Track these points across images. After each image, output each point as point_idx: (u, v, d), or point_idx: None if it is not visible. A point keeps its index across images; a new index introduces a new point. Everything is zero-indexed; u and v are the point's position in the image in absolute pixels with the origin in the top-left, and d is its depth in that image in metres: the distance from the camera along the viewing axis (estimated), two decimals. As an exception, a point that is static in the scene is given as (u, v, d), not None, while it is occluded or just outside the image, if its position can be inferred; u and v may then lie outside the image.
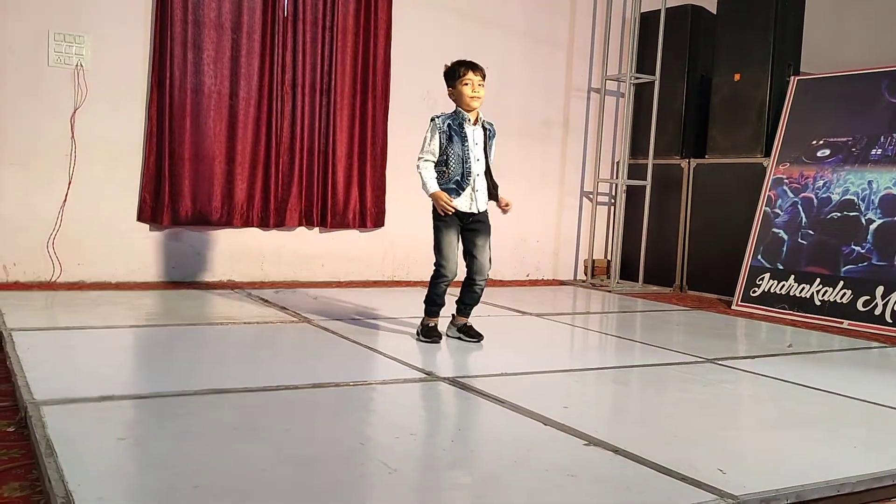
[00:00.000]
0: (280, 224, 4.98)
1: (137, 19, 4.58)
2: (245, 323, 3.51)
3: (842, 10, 6.79)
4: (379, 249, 5.34)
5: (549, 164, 5.94)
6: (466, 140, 3.18)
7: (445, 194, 3.17)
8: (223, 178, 4.81)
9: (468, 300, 3.34)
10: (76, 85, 4.45)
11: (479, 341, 3.31)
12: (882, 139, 4.53)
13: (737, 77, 5.39)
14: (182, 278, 4.75)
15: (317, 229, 5.16)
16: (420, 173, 3.22)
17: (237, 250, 4.92)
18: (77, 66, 4.44)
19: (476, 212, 3.24)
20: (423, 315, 3.35)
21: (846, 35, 6.71)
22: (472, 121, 3.21)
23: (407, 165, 5.29)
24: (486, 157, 3.25)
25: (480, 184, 3.23)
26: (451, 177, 3.19)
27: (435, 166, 3.22)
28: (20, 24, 4.31)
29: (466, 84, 3.16)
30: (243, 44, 4.79)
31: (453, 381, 2.63)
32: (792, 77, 5.18)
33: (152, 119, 4.61)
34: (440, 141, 3.18)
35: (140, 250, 4.67)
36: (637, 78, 5.79)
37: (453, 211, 3.17)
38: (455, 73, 3.20)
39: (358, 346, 3.14)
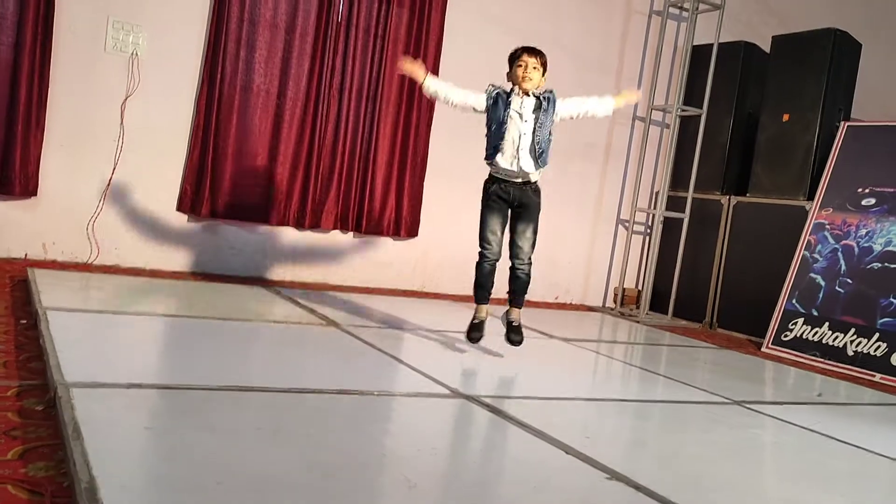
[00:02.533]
0: (315, 225, 5.01)
1: (195, 14, 4.65)
2: (274, 322, 3.53)
3: (898, 58, 6.71)
4: (411, 259, 5.35)
5: (587, 188, 5.91)
6: (509, 107, 3.20)
7: (420, 71, 3.25)
8: (264, 176, 4.86)
9: (513, 286, 3.36)
10: (130, 73, 4.52)
11: (516, 345, 3.30)
12: (930, 193, 4.45)
13: (785, 117, 5.34)
14: (214, 270, 4.79)
15: (351, 234, 5.19)
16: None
17: (271, 248, 4.95)
18: (133, 54, 4.52)
19: (517, 170, 3.21)
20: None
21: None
22: (521, 94, 3.23)
23: (446, 177, 5.34)
24: (542, 125, 3.21)
25: (525, 144, 3.20)
26: (491, 141, 3.24)
27: (485, 134, 3.27)
28: (82, 8, 4.39)
29: (520, 66, 3.23)
30: (295, 45, 4.84)
31: (478, 400, 2.62)
32: (842, 122, 5.11)
33: (200, 112, 4.67)
34: (486, 102, 3.23)
35: (176, 240, 4.73)
36: (684, 110, 5.76)
37: (423, 76, 3.23)
38: (514, 55, 3.29)
39: (385, 355, 3.14)
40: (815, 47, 5.24)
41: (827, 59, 5.17)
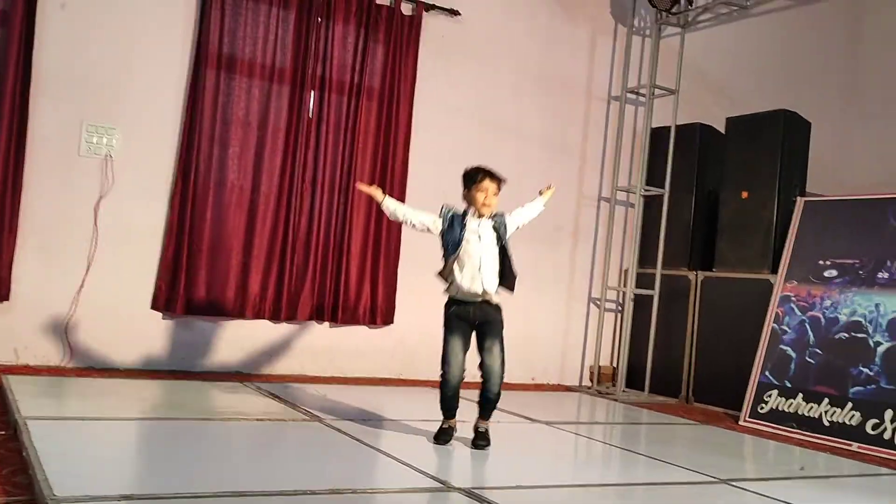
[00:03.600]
0: (291, 317, 5.02)
1: (168, 114, 4.74)
2: (257, 420, 3.50)
3: (847, 134, 7.04)
4: (387, 346, 5.36)
5: (558, 270, 6.01)
6: (465, 229, 3.26)
7: (378, 192, 3.40)
8: (238, 270, 4.87)
9: (484, 404, 3.37)
10: (103, 174, 4.57)
11: (482, 450, 3.29)
12: (889, 263, 4.62)
13: (744, 195, 5.53)
14: (191, 368, 4.75)
15: (327, 324, 5.19)
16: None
17: (247, 342, 4.93)
18: (106, 155, 4.57)
19: (479, 292, 3.25)
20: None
21: (851, 158, 6.92)
22: (476, 215, 3.30)
23: (419, 264, 5.38)
24: (501, 246, 3.29)
25: (486, 264, 3.25)
26: (449, 259, 3.28)
27: (441, 257, 3.33)
28: (56, 115, 4.46)
29: (481, 192, 3.27)
30: (268, 141, 4.94)
31: (468, 493, 2.61)
32: (799, 197, 5.31)
33: (174, 209, 4.70)
34: (441, 224, 3.30)
35: (151, 338, 4.69)
36: (647, 190, 5.94)
37: (381, 198, 3.38)
38: (473, 178, 3.31)
39: (372, 449, 3.13)
40: (767, 127, 5.49)
41: (779, 138, 5.41)
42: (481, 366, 3.32)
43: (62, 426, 3.03)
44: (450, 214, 3.31)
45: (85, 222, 4.52)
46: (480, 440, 3.32)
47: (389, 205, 3.40)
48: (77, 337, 4.48)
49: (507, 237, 3.34)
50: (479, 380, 3.39)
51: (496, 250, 3.30)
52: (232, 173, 4.86)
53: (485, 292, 3.26)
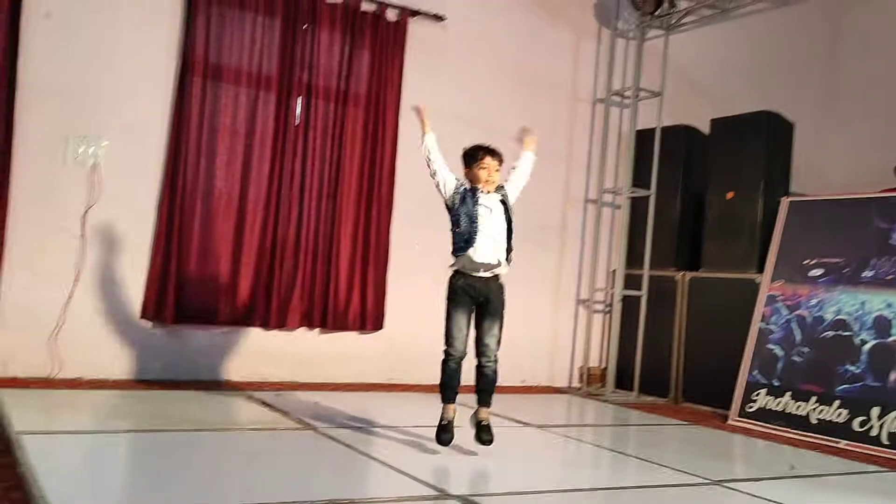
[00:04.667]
0: (281, 325, 5.01)
1: (154, 123, 4.72)
2: (250, 429, 3.50)
3: (828, 134, 7.12)
4: (378, 352, 5.36)
5: (545, 272, 6.04)
6: (478, 203, 3.31)
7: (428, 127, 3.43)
8: (228, 279, 4.87)
9: (481, 385, 3.39)
10: (91, 185, 4.55)
11: (486, 444, 3.31)
12: (873, 262, 4.68)
13: (730, 195, 5.59)
14: (181, 377, 4.73)
15: (317, 330, 5.19)
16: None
17: (238, 350, 4.92)
18: (93, 165, 4.55)
19: (492, 262, 3.31)
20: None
21: (833, 158, 7.01)
22: (484, 190, 3.35)
23: (409, 270, 5.41)
24: (508, 218, 3.36)
25: (499, 236, 3.33)
26: (462, 234, 3.32)
27: (451, 229, 3.36)
28: (42, 125, 4.43)
29: (483, 168, 3.35)
30: (255, 149, 4.94)
31: (465, 500, 2.63)
32: (783, 198, 5.37)
33: (162, 219, 4.69)
34: (453, 195, 3.34)
35: (141, 348, 4.67)
36: (633, 191, 5.98)
37: (429, 129, 3.40)
38: (474, 156, 3.38)
39: (367, 458, 3.14)
40: (751, 128, 5.54)
41: (763, 138, 5.47)
42: (477, 342, 3.36)
43: (56, 440, 3.02)
44: (461, 189, 3.35)
45: (73, 232, 4.49)
46: (484, 434, 3.32)
47: (428, 141, 3.42)
48: (66, 348, 4.45)
49: (511, 208, 3.39)
50: (470, 384, 3.42)
51: (504, 223, 3.35)
52: (220, 181, 4.85)
53: (497, 263, 3.32)
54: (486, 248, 3.30)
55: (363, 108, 5.26)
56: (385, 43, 5.30)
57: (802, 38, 7.18)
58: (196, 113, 4.76)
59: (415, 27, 5.45)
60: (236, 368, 4.91)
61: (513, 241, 3.40)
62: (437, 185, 3.40)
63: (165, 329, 4.73)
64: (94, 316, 4.55)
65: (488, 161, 3.35)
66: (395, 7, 5.35)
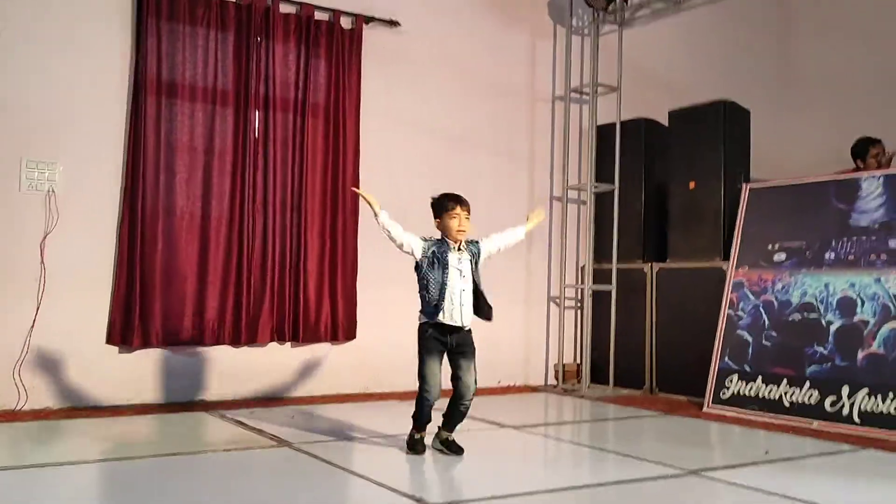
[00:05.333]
0: (252, 340, 4.96)
1: (110, 144, 4.65)
2: (225, 450, 3.45)
3: (783, 120, 7.22)
4: (352, 362, 5.33)
5: (515, 271, 6.04)
6: (447, 267, 3.32)
7: (376, 203, 3.35)
8: (194, 297, 4.80)
9: (453, 417, 3.42)
10: (47, 210, 4.46)
11: (459, 455, 3.36)
12: (834, 243, 4.75)
13: (692, 185, 5.64)
14: (152, 401, 4.66)
15: (289, 344, 5.14)
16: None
17: (209, 369, 4.86)
18: (49, 191, 4.47)
19: (460, 325, 3.33)
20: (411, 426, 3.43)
21: (789, 143, 7.10)
22: (455, 248, 3.35)
23: (378, 278, 5.38)
24: (473, 277, 3.37)
25: (466, 299, 3.34)
26: (430, 300, 3.33)
27: (419, 291, 3.36)
28: (-7, 152, 4.34)
29: (454, 218, 3.35)
30: (215, 165, 4.88)
31: (445, 508, 2.62)
32: (744, 185, 5.43)
33: (123, 241, 4.62)
34: (421, 257, 3.33)
35: (109, 374, 4.59)
36: (597, 187, 6.01)
37: (378, 208, 3.33)
38: (443, 206, 3.38)
39: (344, 471, 3.11)
40: (708, 118, 5.60)
41: (721, 128, 5.54)
42: (456, 380, 3.38)
43: (23, 476, 2.94)
44: (430, 250, 3.34)
45: (31, 260, 4.41)
46: (453, 446, 3.39)
47: (382, 220, 3.38)
48: (31, 379, 4.36)
49: (479, 266, 3.40)
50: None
51: (472, 283, 3.37)
52: (181, 199, 4.78)
53: (462, 326, 3.35)
54: (455, 314, 3.31)
55: (322, 117, 5.23)
56: (341, 51, 5.27)
57: (755, 27, 7.29)
58: (152, 132, 4.69)
59: (370, 34, 5.43)
60: (208, 388, 4.84)
61: (489, 300, 3.41)
62: (408, 253, 3.38)
63: (133, 353, 4.66)
64: (59, 344, 4.46)
65: (458, 210, 3.35)
66: (349, 14, 5.33)
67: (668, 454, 3.56)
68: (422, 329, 3.39)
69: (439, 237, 3.41)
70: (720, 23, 6.92)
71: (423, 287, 3.35)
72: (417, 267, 3.39)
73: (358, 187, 5.32)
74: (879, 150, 5.46)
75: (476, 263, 3.40)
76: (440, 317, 3.31)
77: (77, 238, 4.52)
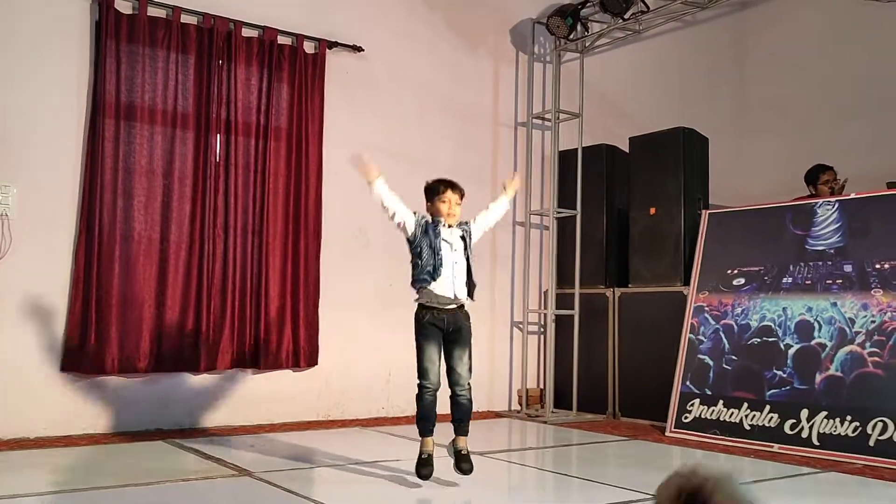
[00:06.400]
0: (211, 367, 4.86)
1: (66, 168, 4.56)
2: (183, 480, 3.36)
3: (739, 147, 7.38)
4: (314, 388, 5.26)
5: (478, 296, 5.94)
6: (439, 235, 3.33)
7: (374, 171, 3.36)
8: (152, 323, 4.71)
9: (458, 415, 3.40)
10: (0, 235, 4.35)
11: (466, 474, 3.33)
12: (791, 268, 4.83)
13: (652, 211, 5.71)
14: (109, 430, 4.54)
15: (250, 371, 5.06)
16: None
17: (167, 397, 4.75)
18: (2, 214, 4.36)
19: (452, 296, 3.32)
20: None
21: (745, 169, 7.26)
22: (446, 224, 3.38)
23: (340, 303, 5.34)
24: (467, 255, 3.38)
25: (458, 272, 3.35)
26: (424, 266, 3.32)
27: (411, 260, 3.37)
28: (-56, 175, 4.23)
29: (444, 202, 3.38)
30: (175, 189, 4.81)
31: (409, 538, 2.57)
32: (703, 210, 5.51)
33: (79, 265, 4.52)
34: (415, 229, 3.34)
35: (63, 402, 4.46)
36: (559, 212, 6.06)
37: (375, 177, 3.32)
38: (435, 190, 3.42)
39: (307, 500, 3.05)
40: (668, 145, 5.69)
41: (680, 154, 5.63)
42: (450, 373, 3.38)
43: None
44: (423, 221, 3.37)
45: (-17, 286, 4.28)
46: (464, 463, 3.34)
47: (377, 188, 3.37)
48: (-19, 408, 4.22)
49: (471, 245, 3.43)
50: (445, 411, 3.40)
51: (465, 259, 3.38)
52: (139, 224, 4.70)
53: (457, 298, 3.34)
54: (447, 283, 3.32)
55: (285, 141, 5.20)
56: (304, 75, 5.26)
57: (710, 56, 7.46)
58: (110, 155, 4.61)
59: (334, 59, 5.43)
60: (167, 417, 4.73)
61: (473, 277, 3.42)
62: (398, 225, 3.39)
63: (88, 380, 4.54)
64: (11, 371, 4.32)
65: (448, 194, 3.38)
66: (312, 39, 5.32)
67: (633, 479, 3.56)
68: (417, 314, 3.37)
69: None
70: (677, 51, 7.08)
71: (417, 255, 3.34)
72: (410, 241, 3.38)
73: (321, 213, 5.29)
74: (830, 176, 5.59)
75: (468, 242, 3.41)
76: (434, 285, 3.29)
77: (31, 263, 4.41)
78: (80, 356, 4.48)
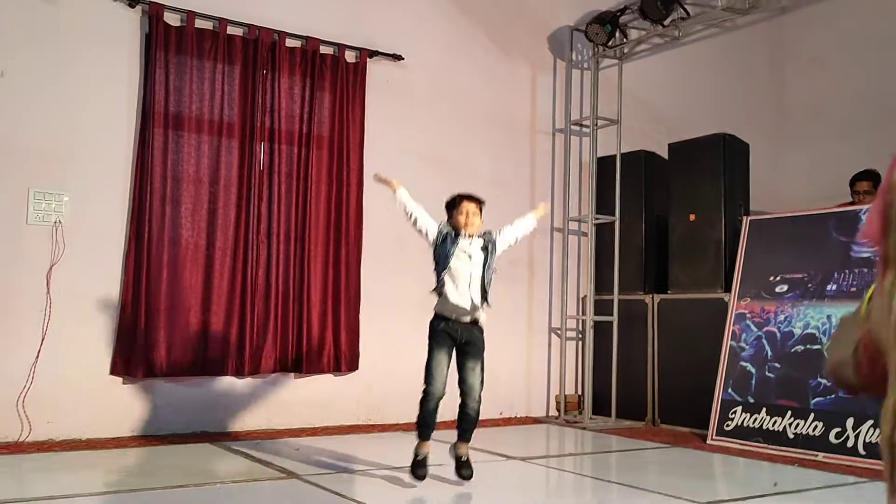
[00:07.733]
0: (255, 371, 4.95)
1: (117, 175, 4.68)
2: (233, 482, 3.43)
3: (779, 153, 7.32)
4: (354, 393, 5.32)
5: (516, 303, 6.07)
6: (456, 245, 3.41)
7: (395, 182, 3.57)
8: (198, 328, 4.80)
9: (464, 424, 3.45)
10: (54, 241, 4.47)
11: (467, 479, 3.37)
12: (836, 275, 4.79)
13: (692, 217, 5.69)
14: (156, 432, 4.64)
15: (292, 375, 5.13)
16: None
17: (213, 400, 4.85)
18: (56, 222, 4.49)
19: (468, 308, 3.37)
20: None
21: (785, 176, 7.19)
22: (467, 234, 3.44)
23: (381, 309, 5.40)
24: (485, 266, 3.42)
25: (475, 283, 3.40)
26: (440, 275, 3.41)
27: (434, 270, 3.46)
28: (1, 183, 4.36)
29: (461, 214, 3.47)
30: (220, 196, 4.91)
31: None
32: (744, 217, 5.48)
33: (129, 272, 4.63)
34: (436, 237, 3.44)
35: (113, 405, 4.57)
36: (598, 218, 6.06)
37: (397, 187, 3.51)
38: (453, 204, 3.53)
39: (353, 502, 3.09)
40: (708, 151, 5.67)
41: (720, 160, 5.60)
42: (461, 383, 3.43)
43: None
44: (445, 231, 3.45)
45: (37, 291, 4.41)
46: (464, 469, 3.39)
47: (401, 197, 3.52)
48: (35, 410, 4.34)
49: (494, 257, 3.48)
50: (450, 419, 3.43)
51: (483, 270, 3.43)
52: (186, 231, 4.80)
53: (472, 307, 3.39)
54: (464, 295, 3.37)
55: (327, 149, 5.28)
56: (345, 84, 5.34)
57: (749, 61, 7.41)
58: (159, 163, 4.73)
59: (375, 67, 5.50)
60: (212, 419, 4.82)
61: (487, 287, 3.46)
62: (420, 231, 3.49)
63: (137, 384, 4.64)
64: (63, 375, 4.44)
65: (466, 205, 3.46)
66: (353, 48, 5.40)
67: (675, 486, 3.56)
68: (432, 323, 3.44)
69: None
70: (716, 57, 7.04)
71: (435, 263, 3.43)
72: (433, 249, 3.47)
73: (361, 220, 5.36)
74: (860, 188, 5.38)
75: (490, 252, 3.45)
76: (449, 291, 3.35)
77: (83, 269, 4.53)
78: (128, 360, 4.59)
